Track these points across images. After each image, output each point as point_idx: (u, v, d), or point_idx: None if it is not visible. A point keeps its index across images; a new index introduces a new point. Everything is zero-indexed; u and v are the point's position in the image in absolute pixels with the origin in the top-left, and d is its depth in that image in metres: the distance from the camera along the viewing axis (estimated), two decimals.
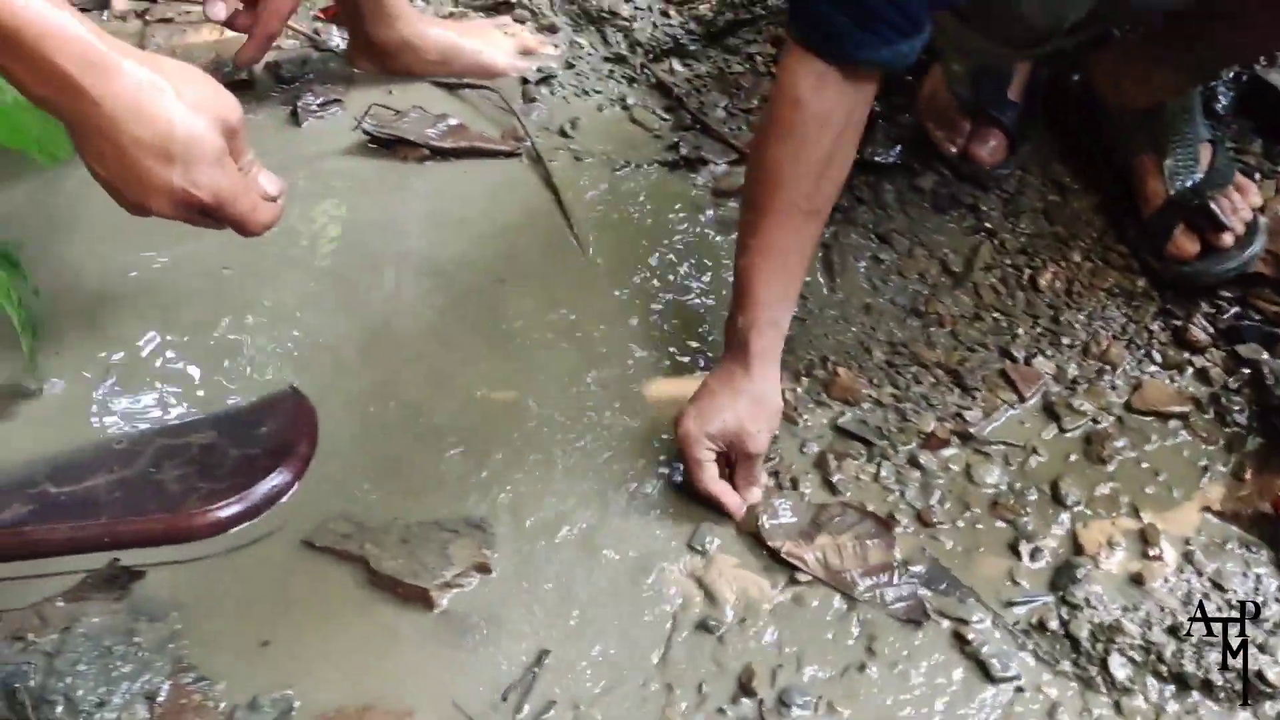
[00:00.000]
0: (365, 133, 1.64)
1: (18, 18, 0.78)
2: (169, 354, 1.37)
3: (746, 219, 1.21)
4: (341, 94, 1.74)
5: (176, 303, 1.42)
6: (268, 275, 1.47)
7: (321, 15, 1.88)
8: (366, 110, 1.67)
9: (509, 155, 1.65)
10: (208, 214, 0.89)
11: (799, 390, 1.35)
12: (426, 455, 1.27)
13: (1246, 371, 1.33)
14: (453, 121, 1.66)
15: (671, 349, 1.40)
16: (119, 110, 0.82)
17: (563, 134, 1.70)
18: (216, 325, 1.40)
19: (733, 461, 1.22)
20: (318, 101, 1.72)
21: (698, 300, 1.47)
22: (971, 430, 1.30)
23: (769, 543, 1.18)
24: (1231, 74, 1.62)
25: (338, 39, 1.84)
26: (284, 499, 1.17)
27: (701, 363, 1.38)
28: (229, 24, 1.40)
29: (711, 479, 1.20)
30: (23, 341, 1.25)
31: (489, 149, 1.65)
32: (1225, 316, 1.38)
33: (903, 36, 1.10)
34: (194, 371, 1.35)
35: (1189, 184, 1.38)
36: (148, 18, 1.92)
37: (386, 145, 1.64)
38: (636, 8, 1.85)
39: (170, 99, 0.83)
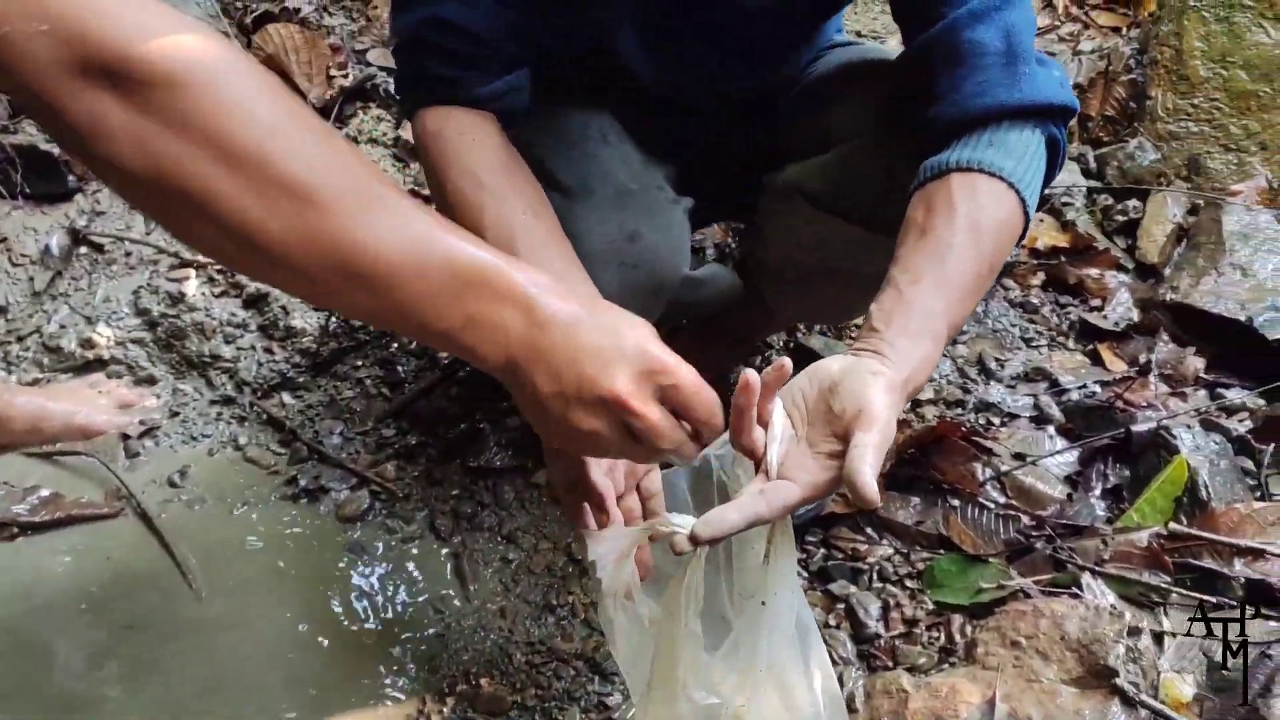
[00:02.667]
0: None
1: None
2: None
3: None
4: None
5: None
6: None
7: None
8: None
9: (111, 517, 1.59)
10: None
11: (445, 711, 1.35)
12: None
13: (841, 607, 1.47)
14: (44, 493, 1.58)
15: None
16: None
17: (172, 484, 1.66)
18: None
19: None
20: None
21: (339, 629, 1.45)
22: (614, 716, 1.35)
23: None
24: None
25: None
26: None
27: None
28: None
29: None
30: None
31: (88, 514, 1.58)
32: (814, 559, 1.54)
33: (495, 76, 1.16)
34: None
35: None
36: None
37: None
38: (239, 348, 1.87)
39: None
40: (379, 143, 2.20)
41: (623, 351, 0.86)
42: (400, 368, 1.84)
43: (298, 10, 2.30)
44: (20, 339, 1.86)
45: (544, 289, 0.86)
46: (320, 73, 2.25)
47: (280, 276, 0.81)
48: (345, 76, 2.25)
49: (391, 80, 2.25)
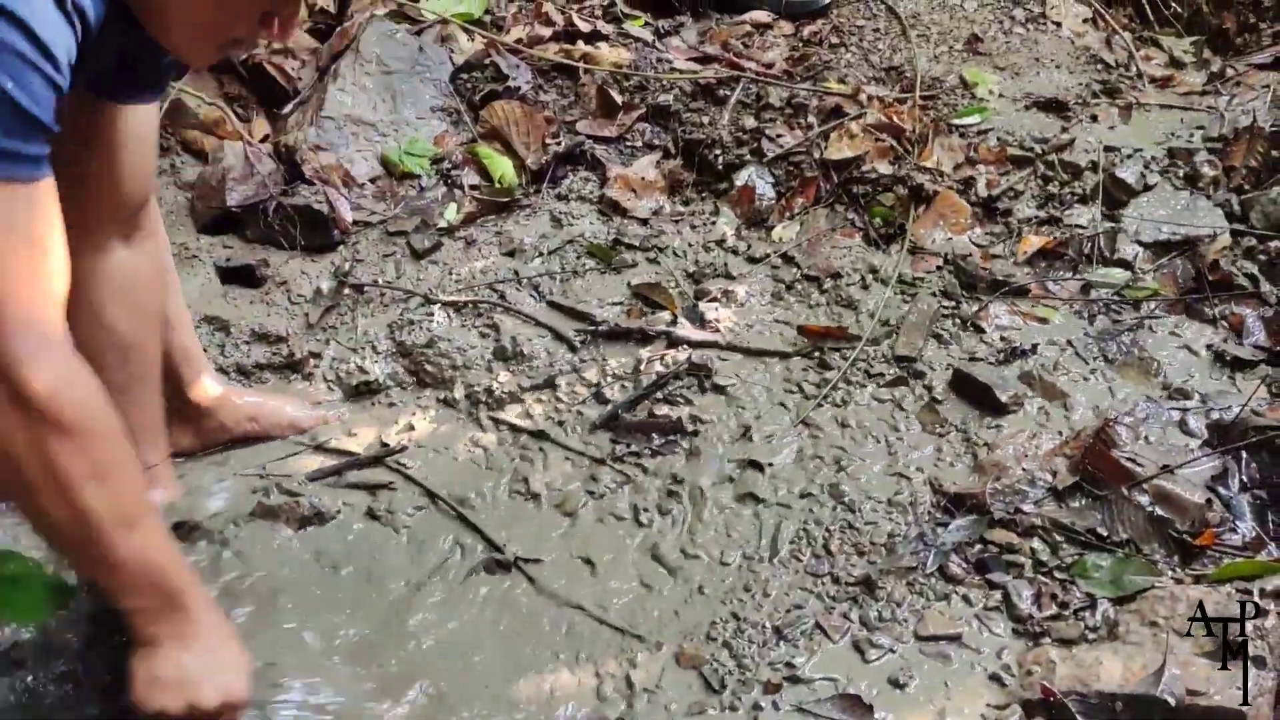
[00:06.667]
0: None
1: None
2: None
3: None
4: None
5: None
6: None
7: None
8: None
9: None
10: None
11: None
12: None
13: (998, 594, 1.68)
14: None
15: None
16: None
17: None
18: None
19: None
20: None
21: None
22: None
23: None
24: None
25: None
26: None
27: None
28: None
29: None
30: None
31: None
32: (973, 552, 1.75)
33: None
34: None
35: None
36: None
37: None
38: (475, 370, 2.20)
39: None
40: (586, 200, 2.53)
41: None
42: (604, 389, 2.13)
43: (518, 88, 2.68)
44: (296, 362, 2.25)
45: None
46: (537, 141, 2.62)
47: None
48: (558, 144, 2.61)
49: (597, 147, 2.59)
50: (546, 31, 2.83)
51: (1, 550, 1.51)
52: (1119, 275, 2.19)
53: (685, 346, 2.15)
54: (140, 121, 1.59)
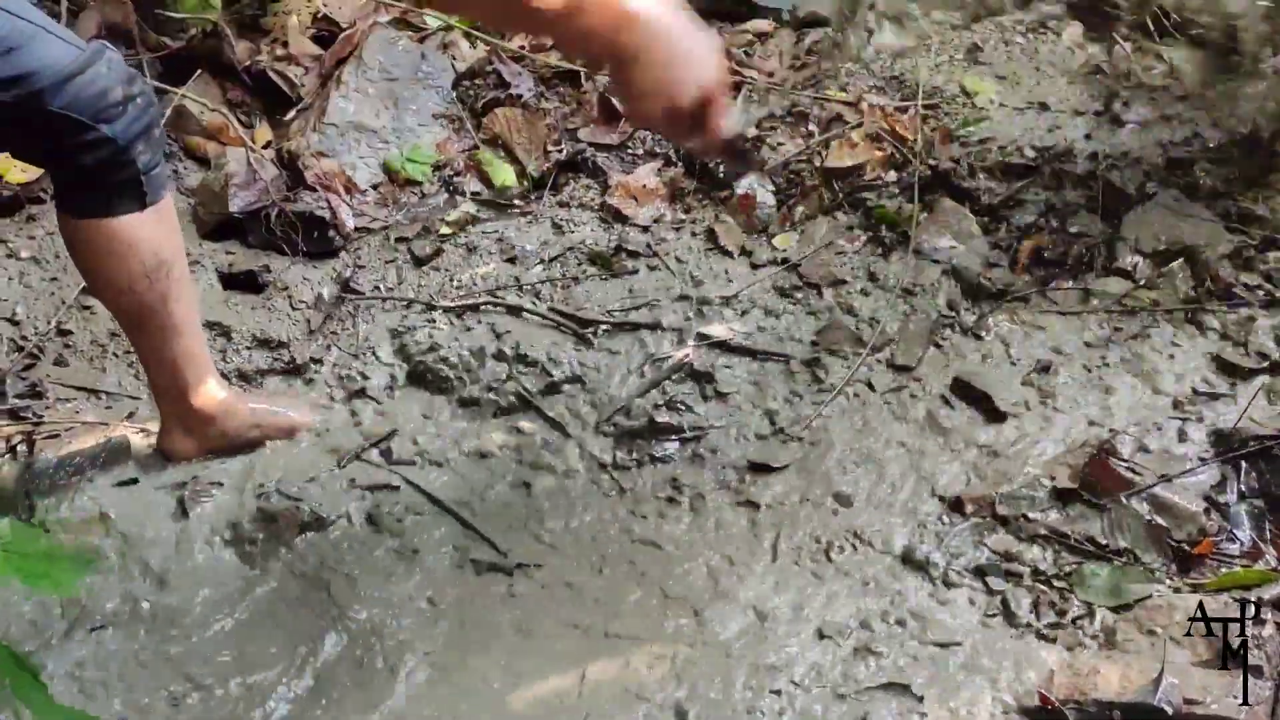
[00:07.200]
0: None
1: None
2: None
3: None
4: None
5: None
6: None
7: None
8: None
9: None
10: None
11: None
12: None
13: (998, 599, 1.69)
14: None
15: None
16: None
17: (438, 464, 2.00)
18: None
19: None
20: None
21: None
22: None
23: None
24: None
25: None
26: None
27: None
28: None
29: None
30: None
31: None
32: (973, 559, 1.75)
33: None
34: None
35: None
36: (34, 435, 2.15)
37: None
38: (475, 374, 2.21)
39: None
40: (587, 207, 2.54)
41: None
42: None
43: (520, 96, 2.69)
44: (298, 367, 2.25)
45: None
46: (538, 148, 2.63)
47: None
48: (560, 151, 2.62)
49: (598, 154, 2.60)
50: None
51: (27, 528, 1.52)
52: (1119, 284, 2.19)
53: (687, 352, 2.16)
54: None
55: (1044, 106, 2.62)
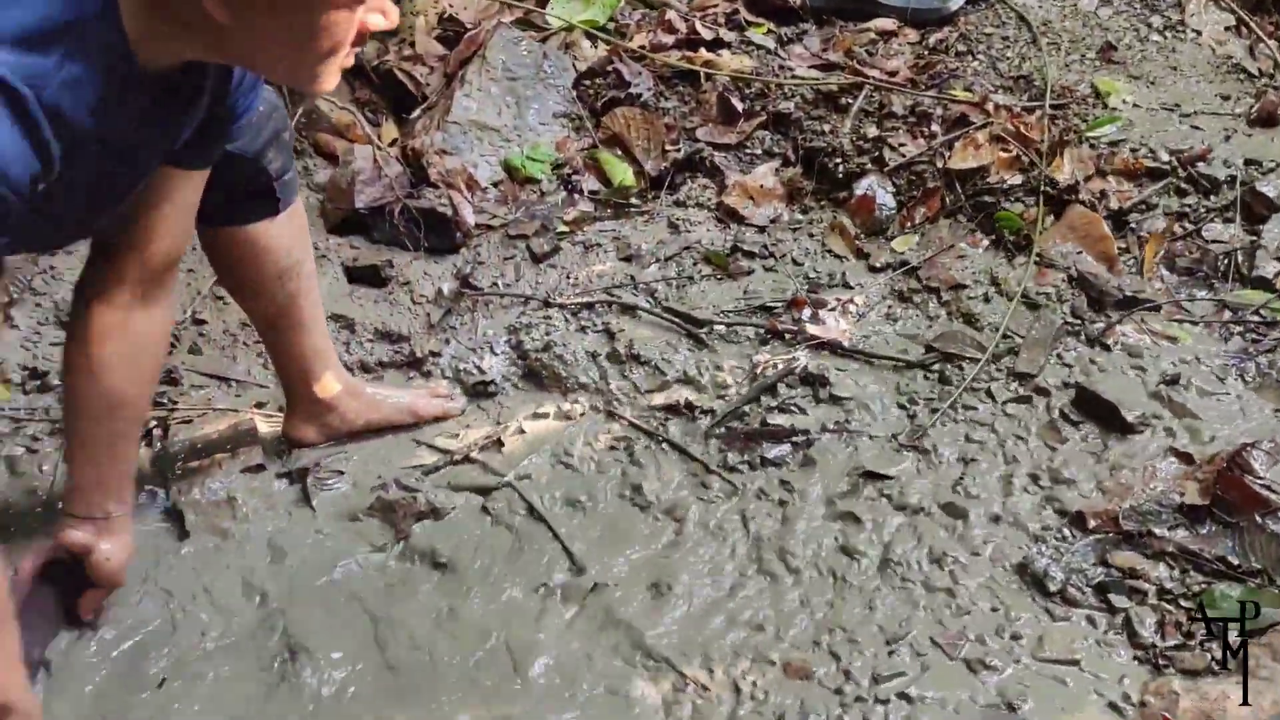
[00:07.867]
0: None
1: None
2: None
3: None
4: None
5: None
6: None
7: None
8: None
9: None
10: None
11: None
12: None
13: (1120, 619, 1.63)
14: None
15: None
16: None
17: (564, 464, 2.03)
18: None
19: None
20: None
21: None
22: None
23: None
24: None
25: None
26: None
27: None
28: None
29: None
30: None
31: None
32: (1094, 576, 1.70)
33: None
34: None
35: None
36: (169, 420, 2.24)
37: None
38: (587, 372, 2.23)
39: None
40: (704, 206, 2.54)
41: None
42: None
43: (639, 95, 2.70)
44: (417, 360, 2.30)
45: None
46: (656, 147, 2.63)
47: None
48: (678, 150, 2.62)
49: (716, 154, 2.60)
50: (669, 39, 2.84)
51: None
52: (1258, 294, 2.10)
53: (801, 354, 2.14)
54: (188, 187, 1.58)
55: (1179, 107, 2.52)
